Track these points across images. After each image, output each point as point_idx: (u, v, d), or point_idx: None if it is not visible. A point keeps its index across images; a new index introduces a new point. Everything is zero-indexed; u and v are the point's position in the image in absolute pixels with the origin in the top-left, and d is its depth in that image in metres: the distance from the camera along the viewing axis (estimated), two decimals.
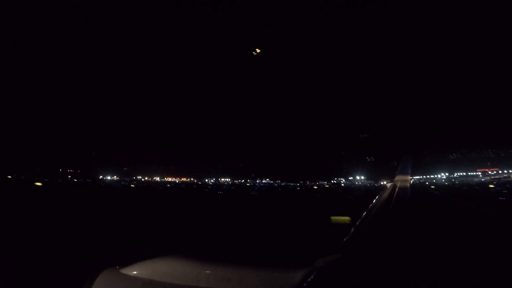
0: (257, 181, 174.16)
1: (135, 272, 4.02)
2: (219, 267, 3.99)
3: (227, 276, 3.85)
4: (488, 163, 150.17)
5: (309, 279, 3.54)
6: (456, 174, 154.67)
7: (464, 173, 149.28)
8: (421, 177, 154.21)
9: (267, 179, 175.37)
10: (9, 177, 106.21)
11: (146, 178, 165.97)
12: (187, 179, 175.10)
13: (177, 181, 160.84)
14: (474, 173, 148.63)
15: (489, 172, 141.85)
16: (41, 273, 9.23)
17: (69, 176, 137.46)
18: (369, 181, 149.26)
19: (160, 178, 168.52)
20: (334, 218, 15.42)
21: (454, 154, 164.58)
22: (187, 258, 4.11)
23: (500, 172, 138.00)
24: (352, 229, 6.30)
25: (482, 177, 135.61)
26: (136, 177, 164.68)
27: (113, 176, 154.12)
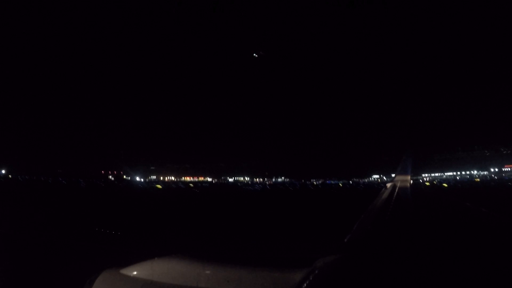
0: (273, 179, 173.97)
1: (135, 273, 4.02)
2: (219, 267, 3.98)
3: (227, 276, 3.83)
4: None
5: (309, 280, 3.50)
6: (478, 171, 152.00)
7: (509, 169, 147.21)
8: (453, 173, 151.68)
9: (283, 177, 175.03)
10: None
11: (161, 178, 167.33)
12: (204, 178, 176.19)
13: (212, 181, 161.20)
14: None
15: None
16: (41, 273, 9.40)
17: (111, 177, 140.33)
18: (414, 177, 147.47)
19: (176, 178, 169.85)
20: None
21: (483, 152, 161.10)
22: (187, 258, 4.11)
23: None
24: (352, 229, 6.21)
25: None
26: (150, 177, 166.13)
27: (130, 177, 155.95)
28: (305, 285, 3.42)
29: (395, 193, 14.66)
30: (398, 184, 20.97)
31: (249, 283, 3.76)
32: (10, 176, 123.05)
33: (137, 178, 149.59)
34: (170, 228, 21.35)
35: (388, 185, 22.41)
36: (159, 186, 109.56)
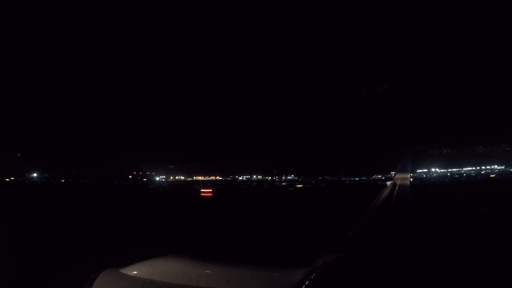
0: (283, 177, 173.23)
1: (135, 272, 4.03)
2: (219, 267, 3.97)
3: (227, 276, 3.82)
4: None
5: (309, 279, 3.49)
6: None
7: None
8: (472, 168, 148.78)
9: (292, 175, 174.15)
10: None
11: (171, 178, 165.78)
12: (215, 177, 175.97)
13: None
14: None
15: None
16: (41, 273, 9.54)
17: (144, 179, 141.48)
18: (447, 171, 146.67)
19: (186, 178, 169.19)
20: None
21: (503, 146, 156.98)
22: (188, 258, 4.11)
23: None
24: (352, 229, 6.16)
25: None
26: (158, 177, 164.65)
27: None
28: (305, 284, 3.39)
29: (395, 192, 14.56)
30: (398, 183, 20.77)
31: (249, 283, 3.75)
32: (62, 180, 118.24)
33: (157, 178, 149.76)
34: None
35: (388, 183, 22.18)
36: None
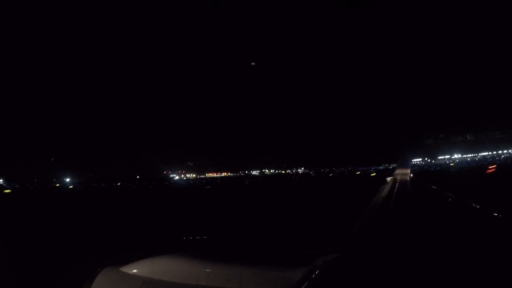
0: (293, 170, 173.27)
1: (135, 271, 4.05)
2: (219, 265, 3.97)
3: (227, 275, 3.81)
4: None
5: (309, 278, 3.46)
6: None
7: None
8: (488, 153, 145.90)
9: (303, 168, 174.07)
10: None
11: (182, 176, 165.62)
12: (227, 173, 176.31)
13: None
14: None
15: None
16: (41, 272, 9.66)
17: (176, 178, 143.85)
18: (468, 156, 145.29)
19: (197, 175, 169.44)
20: None
21: None
22: (187, 256, 4.11)
23: None
24: (353, 228, 6.10)
25: None
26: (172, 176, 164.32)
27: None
28: (305, 284, 3.37)
29: (395, 189, 14.43)
30: (399, 178, 20.59)
31: (249, 281, 3.73)
32: (119, 184, 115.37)
33: (176, 177, 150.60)
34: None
35: (389, 179, 21.90)
36: None
